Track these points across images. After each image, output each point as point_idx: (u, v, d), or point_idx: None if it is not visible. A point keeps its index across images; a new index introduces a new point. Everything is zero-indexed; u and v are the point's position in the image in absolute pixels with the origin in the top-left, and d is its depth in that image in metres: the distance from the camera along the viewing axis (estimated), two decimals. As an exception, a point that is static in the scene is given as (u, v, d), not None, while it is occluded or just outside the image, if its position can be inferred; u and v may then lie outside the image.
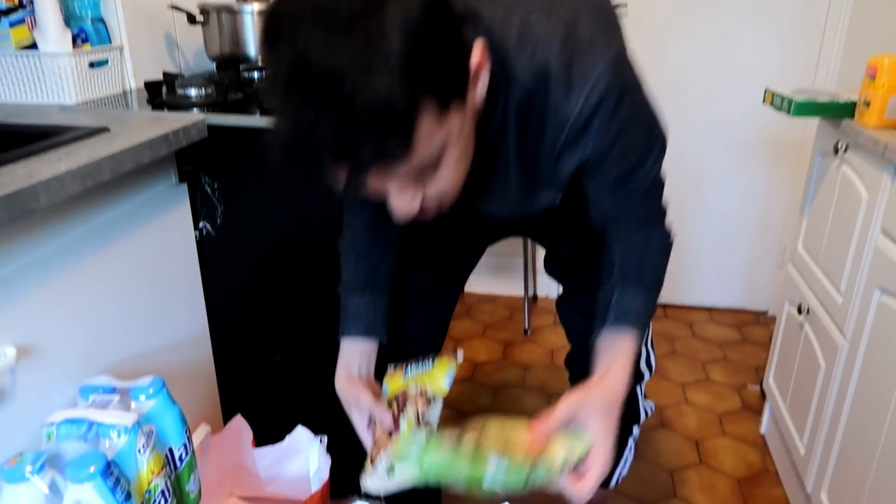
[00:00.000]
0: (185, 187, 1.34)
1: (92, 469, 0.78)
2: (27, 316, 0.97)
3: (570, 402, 0.81)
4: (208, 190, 1.35)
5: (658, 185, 0.87)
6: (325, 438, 1.36)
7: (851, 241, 1.27)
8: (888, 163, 1.14)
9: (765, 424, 1.78)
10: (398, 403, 0.93)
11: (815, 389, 1.38)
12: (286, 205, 1.34)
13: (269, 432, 1.42)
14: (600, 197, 0.86)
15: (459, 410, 1.88)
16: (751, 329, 2.33)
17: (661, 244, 0.90)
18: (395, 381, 0.97)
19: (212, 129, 1.29)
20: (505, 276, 2.51)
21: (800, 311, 1.49)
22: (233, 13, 1.64)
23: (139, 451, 0.88)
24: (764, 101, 1.47)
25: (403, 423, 0.89)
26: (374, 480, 0.88)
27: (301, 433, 1.39)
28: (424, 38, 0.57)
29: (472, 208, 0.89)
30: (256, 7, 1.64)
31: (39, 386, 1.00)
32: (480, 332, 2.31)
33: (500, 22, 0.72)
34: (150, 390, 0.99)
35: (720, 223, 2.37)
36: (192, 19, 1.66)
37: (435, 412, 0.93)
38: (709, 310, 2.47)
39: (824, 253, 1.41)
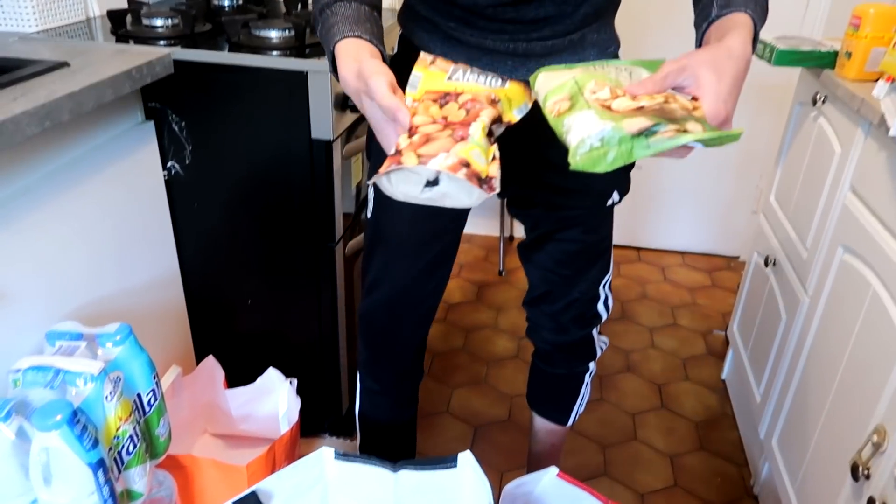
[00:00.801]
0: (151, 125, 1.31)
1: (58, 417, 0.79)
2: (-12, 260, 0.95)
3: (673, 60, 0.68)
4: (176, 128, 1.32)
5: None
6: (295, 381, 1.39)
7: (821, 195, 1.28)
8: (863, 119, 1.14)
9: (726, 370, 1.84)
10: (439, 103, 0.71)
11: (774, 340, 1.42)
12: (256, 143, 1.31)
13: (241, 374, 1.44)
14: None
15: (431, 350, 1.92)
16: (721, 274, 2.38)
17: None
18: (435, 78, 0.75)
19: (179, 64, 1.24)
20: (480, 215, 2.51)
21: (766, 262, 1.51)
22: (201, -63, 1.56)
23: (106, 398, 0.89)
24: (746, 49, 1.45)
25: (476, 129, 0.66)
26: (405, 186, 0.66)
27: (272, 375, 1.41)
28: None
29: None
30: (226, -68, 1.56)
31: (4, 331, 0.99)
32: (456, 273, 2.32)
33: None
34: (118, 337, 0.99)
35: (698, 167, 2.37)
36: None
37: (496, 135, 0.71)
38: (682, 254, 2.51)
39: (794, 206, 1.43)
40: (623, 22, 1.02)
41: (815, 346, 1.25)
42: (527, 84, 0.75)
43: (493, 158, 0.65)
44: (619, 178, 1.04)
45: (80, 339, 1.00)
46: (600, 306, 1.13)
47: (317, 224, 1.35)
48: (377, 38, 0.76)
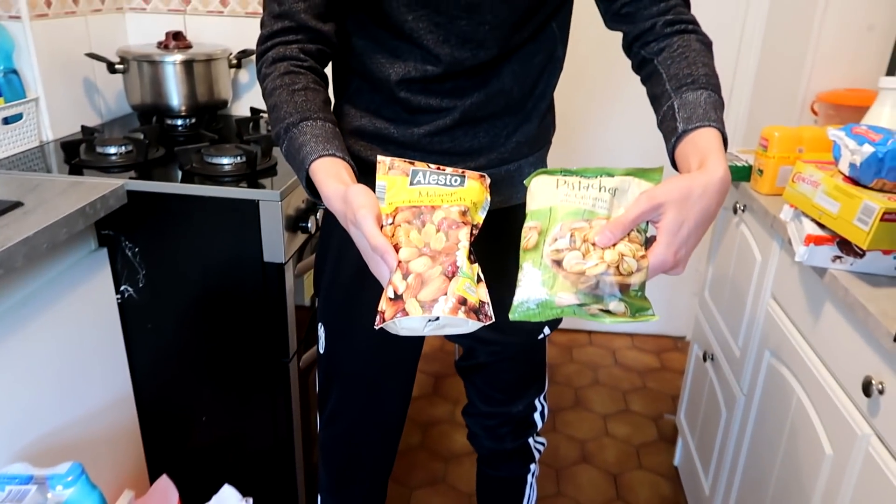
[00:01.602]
0: (104, 252, 1.33)
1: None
2: (-64, 413, 0.95)
3: (650, 193, 0.66)
4: (129, 254, 1.35)
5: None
6: (251, 500, 1.38)
7: (747, 299, 1.37)
8: (777, 233, 1.23)
9: (678, 456, 1.88)
10: (415, 226, 0.72)
11: (717, 433, 1.48)
12: (209, 267, 1.34)
13: (196, 491, 1.43)
14: None
15: (390, 449, 1.92)
16: (670, 355, 2.46)
17: (703, 45, 0.83)
18: (399, 185, 0.75)
19: (132, 193, 1.28)
20: (437, 304, 2.56)
21: (705, 357, 1.59)
22: (153, 63, 1.63)
23: (56, 550, 0.89)
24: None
25: (462, 258, 0.68)
26: (409, 323, 0.69)
27: (228, 492, 1.40)
28: None
29: None
30: (179, 58, 1.63)
31: (-50, 481, 0.98)
32: (412, 364, 2.35)
33: None
34: (69, 478, 0.99)
35: (641, 252, 2.48)
36: (111, 68, 1.64)
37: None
38: (631, 336, 2.59)
39: (726, 304, 1.51)
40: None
41: (753, 442, 1.31)
42: (481, 176, 0.76)
43: (479, 281, 0.70)
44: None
45: (29, 481, 1.00)
46: (536, 416, 1.19)
47: (270, 341, 1.38)
48: (347, 154, 0.79)
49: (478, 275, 0.71)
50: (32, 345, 1.14)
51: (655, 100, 0.83)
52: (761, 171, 1.33)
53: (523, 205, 0.89)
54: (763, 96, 2.08)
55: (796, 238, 1.05)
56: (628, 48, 0.90)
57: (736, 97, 2.21)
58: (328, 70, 0.94)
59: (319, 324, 1.09)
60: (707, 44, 0.84)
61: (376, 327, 0.68)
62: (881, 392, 0.88)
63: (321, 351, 1.09)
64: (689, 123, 0.74)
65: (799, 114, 1.79)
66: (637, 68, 0.89)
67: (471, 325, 0.70)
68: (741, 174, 1.42)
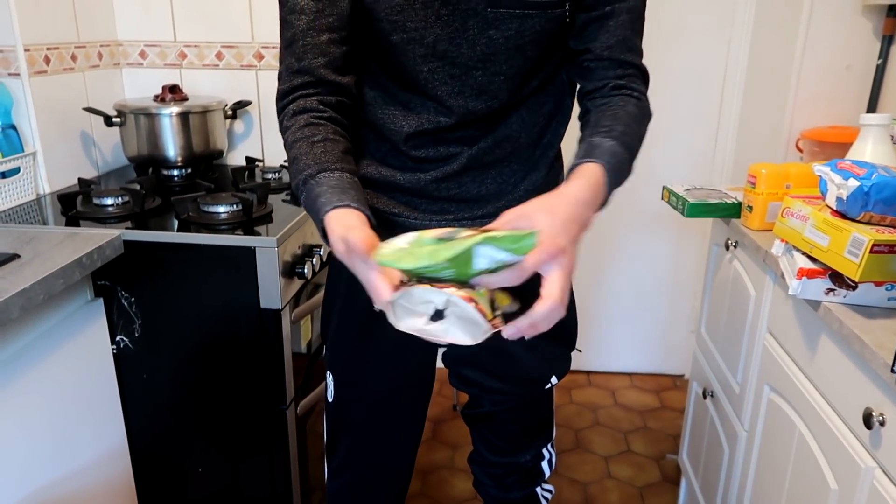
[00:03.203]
0: (100, 303, 1.33)
1: None
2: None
3: (516, 209, 0.71)
4: (125, 304, 1.35)
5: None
6: (249, 554, 1.35)
7: (744, 334, 1.37)
8: (769, 268, 1.25)
9: (682, 497, 1.86)
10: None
11: (721, 472, 1.47)
12: (206, 315, 1.34)
13: (191, 548, 1.40)
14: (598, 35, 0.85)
15: (389, 498, 1.89)
16: (669, 394, 2.44)
17: (640, 110, 0.87)
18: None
19: (129, 243, 1.29)
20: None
21: (704, 394, 1.58)
22: (150, 115, 1.66)
23: None
24: (662, 197, 1.58)
25: (480, 292, 0.68)
26: (410, 319, 0.69)
27: (225, 547, 1.37)
28: None
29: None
30: (175, 110, 1.66)
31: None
32: (410, 410, 2.33)
33: None
34: (62, 534, 0.97)
35: (634, 291, 2.49)
36: (108, 121, 1.67)
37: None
38: (630, 375, 2.57)
39: (723, 340, 1.52)
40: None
41: (757, 479, 1.30)
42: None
43: (494, 308, 0.68)
44: (557, 362, 1.08)
45: (21, 540, 0.98)
46: (544, 465, 1.17)
47: (267, 389, 1.37)
48: (363, 203, 0.78)
49: (492, 300, 0.70)
50: (28, 397, 1.13)
51: (578, 144, 0.86)
52: (751, 208, 1.35)
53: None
54: (748, 135, 2.13)
55: (789, 272, 1.07)
56: (580, 98, 0.94)
57: (722, 137, 2.25)
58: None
59: (328, 372, 1.08)
60: (644, 111, 0.89)
61: (376, 309, 0.68)
62: (882, 424, 0.88)
63: (329, 399, 1.09)
64: (581, 158, 0.79)
65: (784, 151, 1.83)
66: (580, 116, 0.93)
67: (477, 332, 0.67)
68: (731, 211, 1.44)
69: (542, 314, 0.67)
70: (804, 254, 1.06)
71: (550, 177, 0.99)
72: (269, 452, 1.42)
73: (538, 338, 1.03)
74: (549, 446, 1.16)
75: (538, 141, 0.96)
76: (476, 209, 0.94)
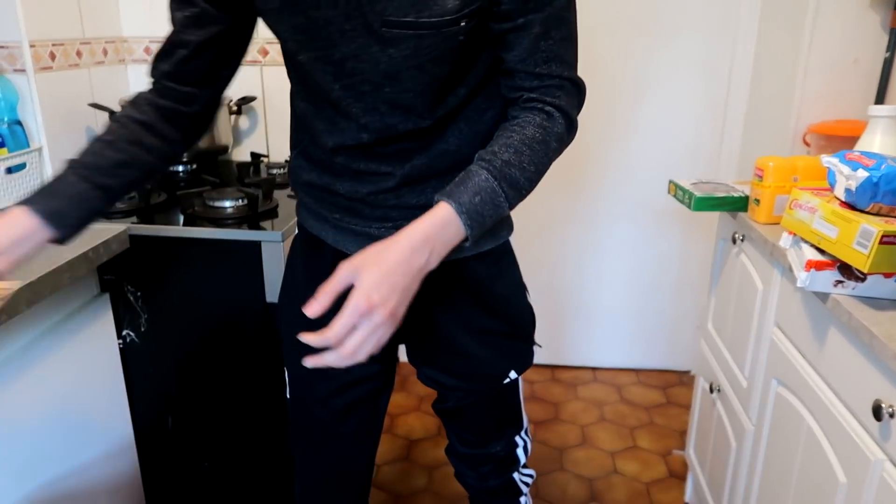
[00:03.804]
0: (107, 298, 1.33)
1: None
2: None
3: (343, 268, 0.75)
4: (131, 298, 1.35)
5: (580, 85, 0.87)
6: (256, 548, 1.35)
7: (751, 328, 1.36)
8: (777, 261, 1.24)
9: (689, 493, 1.85)
10: None
11: (728, 466, 1.46)
12: (211, 309, 1.34)
13: (197, 542, 1.40)
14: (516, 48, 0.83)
15: (394, 493, 1.89)
16: (675, 391, 2.43)
17: (543, 131, 0.84)
18: None
19: (135, 238, 1.29)
20: (439, 345, 2.54)
21: (711, 389, 1.58)
22: (156, 111, 1.65)
23: None
24: (668, 192, 1.58)
25: None
26: None
27: (231, 541, 1.37)
28: None
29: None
30: (180, 105, 1.66)
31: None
32: (416, 406, 2.32)
33: None
34: (70, 527, 0.98)
35: (640, 287, 2.48)
36: (113, 117, 1.66)
37: None
38: (636, 371, 2.57)
39: (730, 334, 1.51)
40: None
41: (765, 474, 1.29)
42: None
43: None
44: (515, 357, 1.08)
45: (29, 533, 0.98)
46: (518, 452, 1.18)
47: (273, 382, 1.37)
48: (49, 209, 0.83)
49: None
50: (35, 391, 1.13)
51: None
52: (758, 201, 1.34)
53: (478, 256, 0.95)
54: (754, 130, 2.12)
55: (797, 264, 1.06)
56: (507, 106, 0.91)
57: (728, 131, 2.24)
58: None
59: (284, 367, 1.11)
60: (550, 131, 0.84)
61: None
62: (892, 416, 0.87)
63: (287, 396, 1.11)
64: (442, 193, 0.80)
65: (791, 145, 1.82)
66: None
67: None
68: (738, 204, 1.43)
69: (332, 359, 0.74)
70: (812, 246, 1.05)
71: None
72: (275, 446, 1.42)
73: (493, 336, 1.03)
74: (521, 434, 1.17)
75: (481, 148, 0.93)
76: (417, 216, 0.95)
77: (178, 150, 0.96)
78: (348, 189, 0.93)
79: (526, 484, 1.23)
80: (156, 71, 0.91)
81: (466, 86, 0.88)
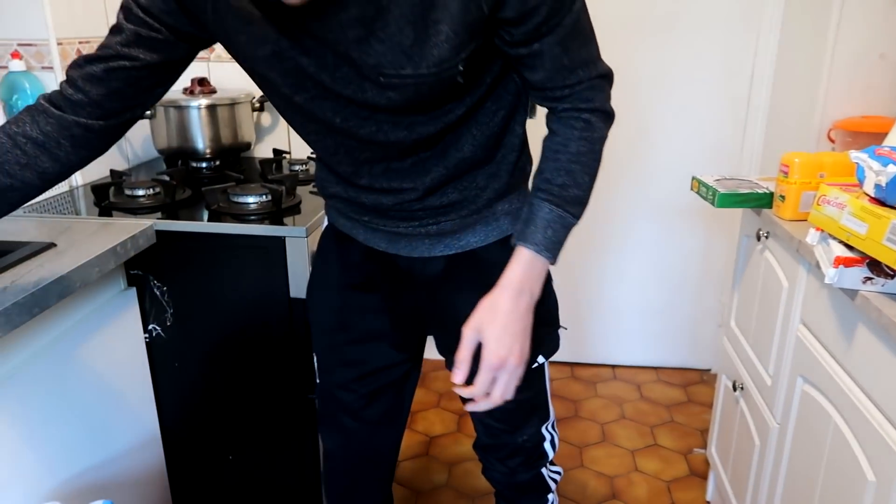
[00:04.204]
0: (133, 292, 1.35)
1: None
2: (-29, 452, 0.96)
3: (467, 331, 0.87)
4: (157, 293, 1.36)
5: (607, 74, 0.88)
6: (279, 541, 1.37)
7: (776, 326, 1.35)
8: (803, 258, 1.23)
9: (710, 492, 1.84)
10: None
11: (751, 465, 1.45)
12: (236, 304, 1.35)
13: (221, 534, 1.42)
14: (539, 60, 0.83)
15: (415, 489, 1.89)
16: (696, 389, 2.42)
17: (585, 142, 0.88)
18: None
19: (161, 233, 1.31)
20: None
21: (734, 387, 1.56)
22: (179, 108, 1.68)
23: (88, 591, 0.88)
24: (691, 188, 1.57)
25: None
26: None
27: (255, 534, 1.39)
28: None
29: (352, 54, 0.79)
30: (204, 102, 1.68)
31: (-16, 521, 0.99)
32: (435, 402, 2.33)
33: None
34: (100, 517, 0.99)
35: (661, 284, 2.47)
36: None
37: None
38: (656, 369, 2.55)
39: (754, 332, 1.50)
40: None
41: (789, 474, 1.28)
42: None
43: None
44: (541, 343, 1.08)
45: (61, 521, 1.00)
46: (546, 446, 1.18)
47: (296, 377, 1.38)
48: None
49: None
50: (65, 384, 1.15)
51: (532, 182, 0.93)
52: (783, 197, 1.33)
53: (501, 240, 0.97)
54: (777, 126, 2.10)
55: (825, 260, 1.05)
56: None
57: (750, 127, 2.22)
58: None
59: (313, 353, 1.15)
60: (592, 137, 0.88)
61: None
62: (923, 413, 0.86)
63: (317, 381, 1.15)
64: (518, 237, 0.89)
65: (816, 142, 1.80)
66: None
67: None
68: (763, 201, 1.42)
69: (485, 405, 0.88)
70: (841, 242, 1.04)
71: (514, 177, 0.99)
72: (299, 440, 1.43)
73: None
74: (548, 427, 1.17)
75: (497, 148, 0.95)
76: (441, 216, 0.97)
77: (68, 174, 0.92)
78: (373, 201, 0.96)
79: (554, 481, 1.23)
80: (80, 71, 0.86)
81: (472, 95, 0.88)
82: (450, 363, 1.11)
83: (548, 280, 1.10)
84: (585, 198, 0.91)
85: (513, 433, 1.14)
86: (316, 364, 1.15)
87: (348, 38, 0.77)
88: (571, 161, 0.88)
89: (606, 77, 0.89)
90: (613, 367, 2.57)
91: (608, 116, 0.90)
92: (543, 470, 1.21)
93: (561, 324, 1.11)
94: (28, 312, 0.98)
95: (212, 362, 1.40)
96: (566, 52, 0.83)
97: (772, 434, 1.35)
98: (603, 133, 0.90)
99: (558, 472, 1.25)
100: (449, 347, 1.09)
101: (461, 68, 0.80)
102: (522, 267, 0.88)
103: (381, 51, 0.77)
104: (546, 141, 0.91)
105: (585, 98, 0.87)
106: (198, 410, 1.44)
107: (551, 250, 0.88)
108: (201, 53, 1.91)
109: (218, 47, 1.88)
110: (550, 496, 1.24)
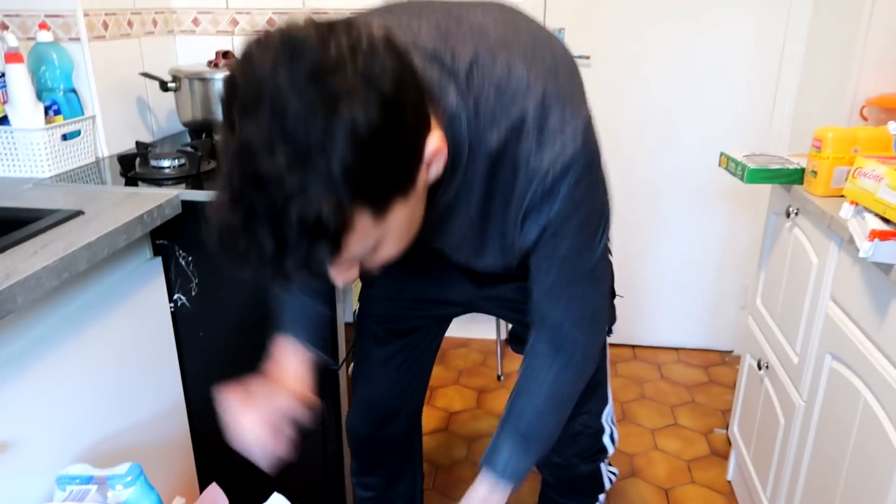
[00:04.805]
0: (159, 261, 1.36)
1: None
2: (3, 411, 0.97)
3: None
4: (183, 263, 1.37)
5: (598, 271, 0.88)
6: (302, 508, 1.38)
7: (804, 303, 1.33)
8: (835, 233, 1.21)
9: (731, 471, 1.83)
10: None
11: (775, 444, 1.44)
12: (260, 275, 1.36)
13: (245, 501, 1.43)
14: (543, 273, 0.84)
15: (434, 463, 1.90)
16: (717, 370, 2.40)
17: (554, 391, 0.91)
18: None
19: (186, 203, 1.31)
20: (477, 318, 2.55)
21: (759, 366, 1.55)
22: (204, 80, 1.67)
23: (117, 547, 0.89)
24: (720, 164, 1.54)
25: None
26: None
27: (278, 500, 1.40)
28: (372, 145, 0.54)
29: (426, 245, 0.84)
30: (228, 75, 1.67)
31: (15, 479, 1.00)
32: (455, 380, 2.34)
33: (482, 67, 0.70)
34: (128, 478, 1.00)
35: (683, 265, 2.44)
36: (164, 86, 1.69)
37: None
38: (677, 350, 2.54)
39: (780, 310, 1.48)
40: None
41: (815, 452, 1.27)
42: None
43: None
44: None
45: (90, 482, 1.01)
46: (606, 439, 1.15)
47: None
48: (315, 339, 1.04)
49: None
50: (92, 349, 1.17)
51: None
52: (815, 173, 1.30)
53: None
54: (808, 102, 2.05)
55: (859, 234, 1.03)
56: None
57: (779, 104, 2.18)
58: None
59: (361, 288, 1.20)
60: (568, 381, 0.91)
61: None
62: (958, 389, 0.85)
63: (354, 313, 1.20)
64: (482, 465, 0.92)
65: (848, 118, 1.76)
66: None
67: None
68: (794, 177, 1.39)
69: None
70: (877, 215, 1.02)
71: None
72: (322, 411, 1.44)
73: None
74: (607, 418, 1.14)
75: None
76: (499, 282, 1.06)
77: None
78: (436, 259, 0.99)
79: (610, 481, 1.21)
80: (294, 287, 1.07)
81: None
82: (513, 340, 1.18)
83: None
84: (550, 439, 0.94)
85: (573, 416, 1.11)
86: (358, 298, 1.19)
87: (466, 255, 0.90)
88: (547, 401, 0.91)
89: (596, 317, 0.94)
90: (633, 347, 2.56)
91: (587, 358, 0.93)
92: (603, 465, 1.18)
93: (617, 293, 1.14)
94: (57, 276, 0.99)
95: (236, 332, 1.41)
96: (559, 282, 0.85)
97: (797, 412, 1.33)
98: (579, 371, 0.93)
99: (614, 473, 1.22)
100: (522, 332, 1.11)
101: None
102: (482, 492, 0.92)
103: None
104: (524, 370, 0.92)
105: (569, 336, 0.89)
106: (221, 380, 1.45)
107: (511, 477, 0.91)
108: (225, 26, 1.91)
109: (241, 20, 1.88)
110: (601, 496, 1.22)
